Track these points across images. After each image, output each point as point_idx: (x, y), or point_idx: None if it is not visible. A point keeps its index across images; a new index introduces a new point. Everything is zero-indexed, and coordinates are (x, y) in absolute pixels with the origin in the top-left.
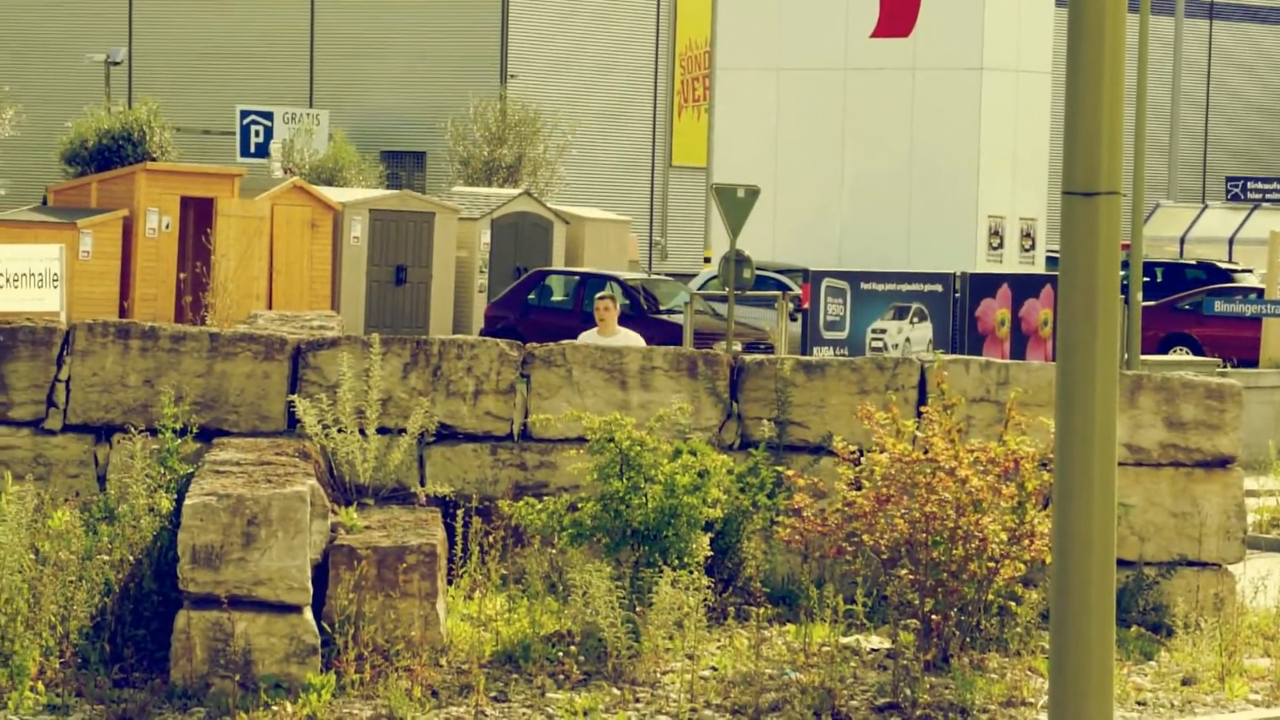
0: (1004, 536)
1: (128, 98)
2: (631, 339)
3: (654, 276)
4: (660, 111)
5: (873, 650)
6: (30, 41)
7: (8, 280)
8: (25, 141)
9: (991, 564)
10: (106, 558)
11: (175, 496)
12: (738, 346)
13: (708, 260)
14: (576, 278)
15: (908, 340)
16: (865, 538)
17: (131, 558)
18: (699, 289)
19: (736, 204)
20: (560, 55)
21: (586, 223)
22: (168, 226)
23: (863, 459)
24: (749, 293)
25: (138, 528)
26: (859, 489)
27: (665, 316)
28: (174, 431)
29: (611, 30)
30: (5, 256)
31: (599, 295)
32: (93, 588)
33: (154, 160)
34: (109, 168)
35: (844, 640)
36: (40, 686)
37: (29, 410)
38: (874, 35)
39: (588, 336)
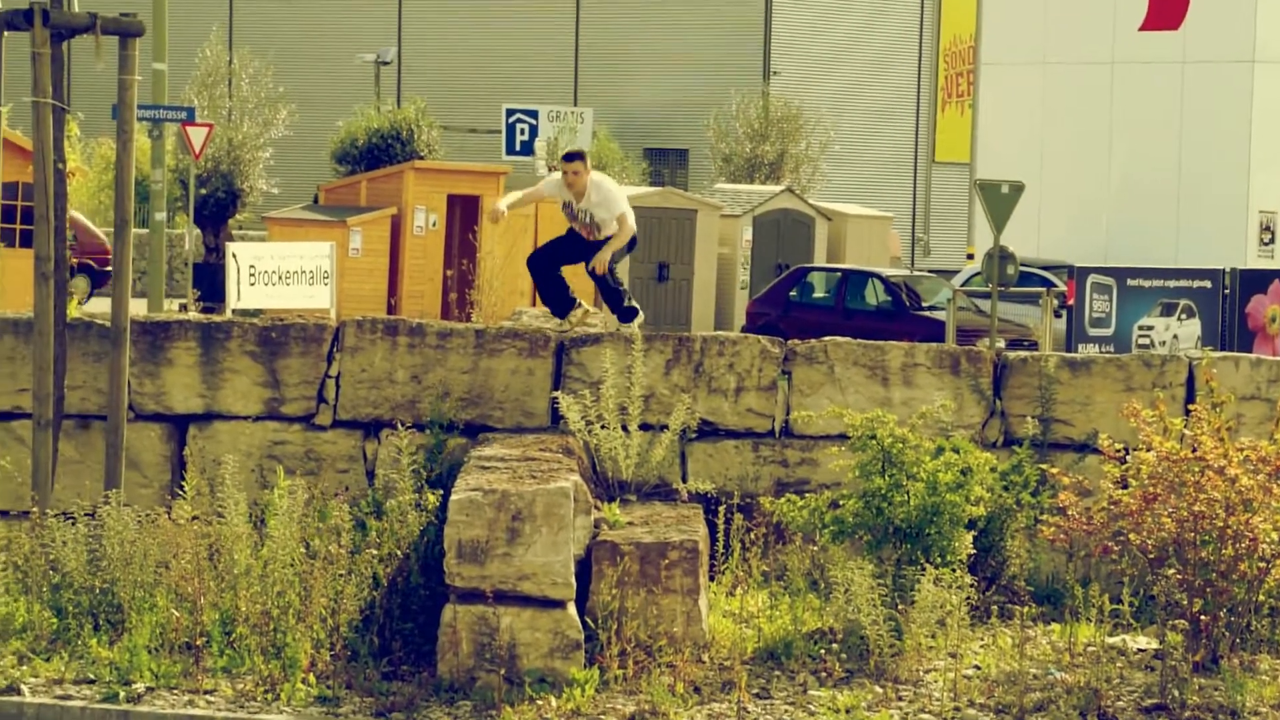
0: (1275, 536)
1: (396, 97)
2: (600, 201)
3: (916, 273)
4: (924, 107)
5: (1139, 650)
6: (303, 43)
7: (281, 278)
8: (298, 141)
9: (1262, 564)
10: (375, 552)
11: (441, 492)
12: (1001, 343)
13: (971, 257)
14: (838, 274)
15: (1175, 337)
16: (1132, 537)
17: (399, 552)
18: (962, 285)
19: (1000, 199)
20: (823, 51)
21: (848, 219)
22: (435, 224)
23: (1129, 457)
24: (1013, 289)
25: (405, 523)
26: (1125, 487)
27: (928, 313)
28: (440, 427)
29: (875, 25)
30: (279, 254)
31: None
32: (361, 581)
33: (421, 159)
34: (378, 166)
35: (1110, 640)
36: (311, 678)
37: (300, 406)
38: (1142, 28)
39: (556, 184)
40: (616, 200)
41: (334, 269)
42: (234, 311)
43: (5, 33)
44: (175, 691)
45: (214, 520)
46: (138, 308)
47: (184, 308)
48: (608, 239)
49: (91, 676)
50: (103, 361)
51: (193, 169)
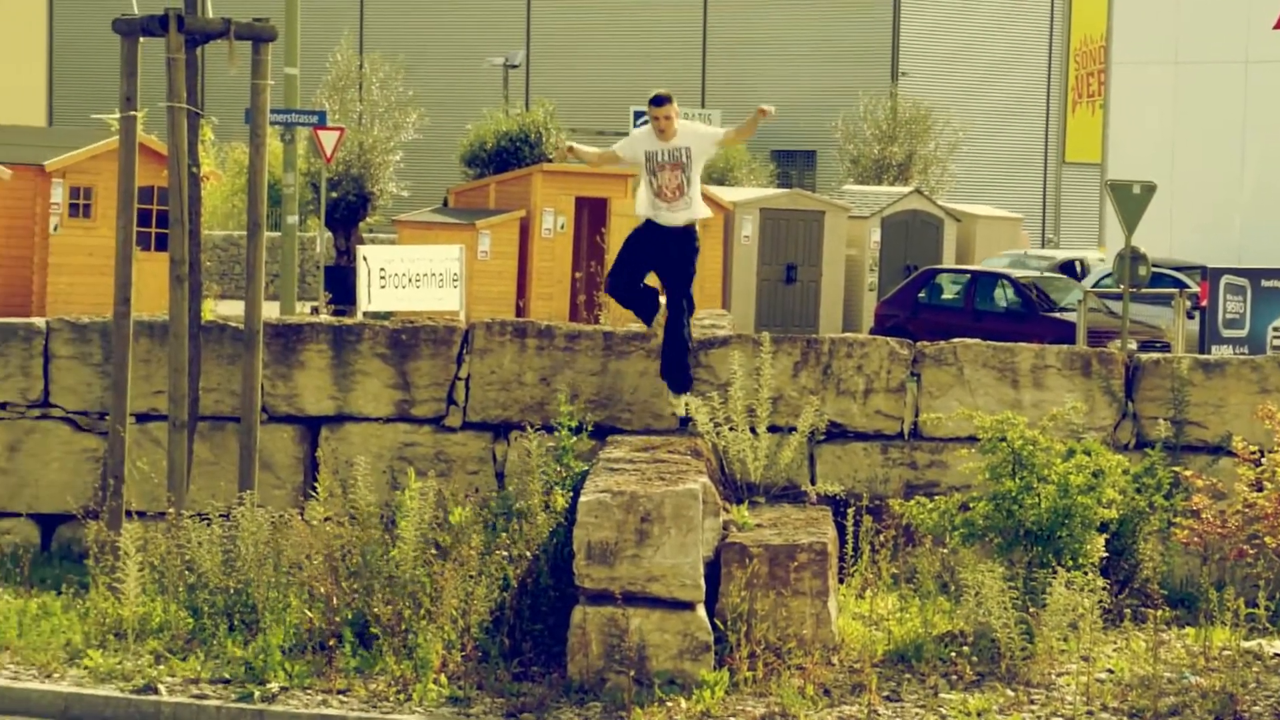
0: None
1: (525, 100)
2: (692, 131)
3: (1047, 274)
4: (1053, 107)
5: (1275, 655)
6: (432, 47)
7: (411, 280)
8: (427, 144)
9: None
10: (505, 553)
11: (571, 493)
12: (1133, 345)
13: (1102, 258)
14: (967, 276)
15: None
16: (1268, 540)
17: (529, 553)
18: (1093, 287)
19: (1132, 200)
20: (952, 52)
21: (978, 220)
22: (563, 227)
23: (1264, 460)
24: (1144, 290)
25: (534, 524)
26: (1260, 490)
27: (1058, 315)
28: (569, 429)
29: (1004, 26)
30: (409, 257)
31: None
32: (492, 583)
33: (550, 161)
34: (506, 169)
35: (1245, 644)
36: (443, 679)
37: (430, 408)
38: (1276, 26)
39: (641, 137)
40: (703, 127)
41: (463, 271)
42: (364, 314)
43: (141, 38)
44: (309, 691)
45: (346, 521)
46: (270, 310)
47: (316, 310)
48: (689, 227)
49: (227, 676)
50: (236, 364)
51: (324, 172)
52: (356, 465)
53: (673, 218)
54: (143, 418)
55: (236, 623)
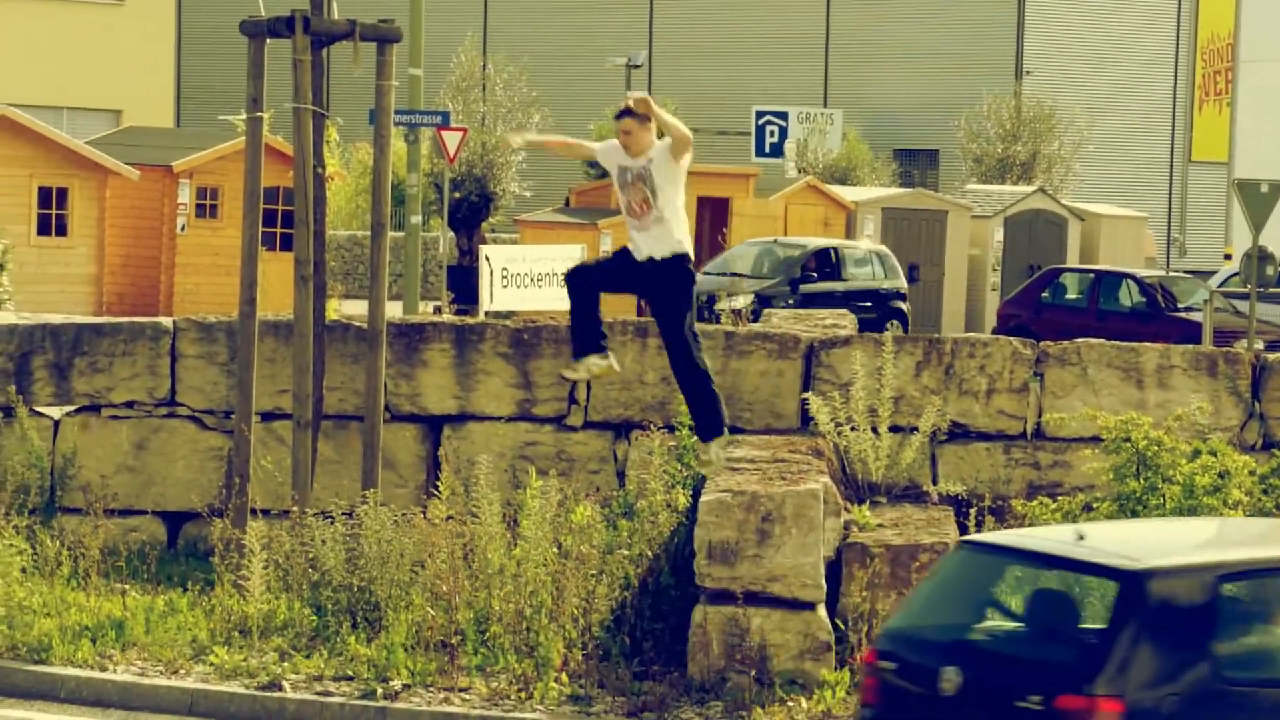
0: None
1: None
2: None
3: (1172, 274)
4: (1180, 106)
5: None
6: (555, 48)
7: (533, 280)
8: None
9: None
10: (626, 552)
11: (691, 493)
12: (1260, 345)
13: (1228, 257)
14: (1091, 275)
15: None
16: None
17: (650, 553)
18: (1219, 286)
19: (1260, 199)
20: (1077, 50)
21: (1102, 220)
22: None
23: None
24: (1272, 290)
25: (655, 523)
26: None
27: (1184, 314)
28: (690, 429)
29: (1130, 24)
30: (531, 257)
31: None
32: (613, 582)
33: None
34: None
35: None
36: (564, 677)
37: (552, 407)
38: None
39: (616, 148)
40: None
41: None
42: (487, 314)
43: (267, 40)
44: (431, 689)
45: (468, 520)
46: (393, 310)
47: (438, 310)
48: (676, 259)
49: (350, 673)
50: (360, 363)
51: (447, 173)
52: (478, 464)
53: (647, 241)
54: (267, 416)
55: (359, 620)
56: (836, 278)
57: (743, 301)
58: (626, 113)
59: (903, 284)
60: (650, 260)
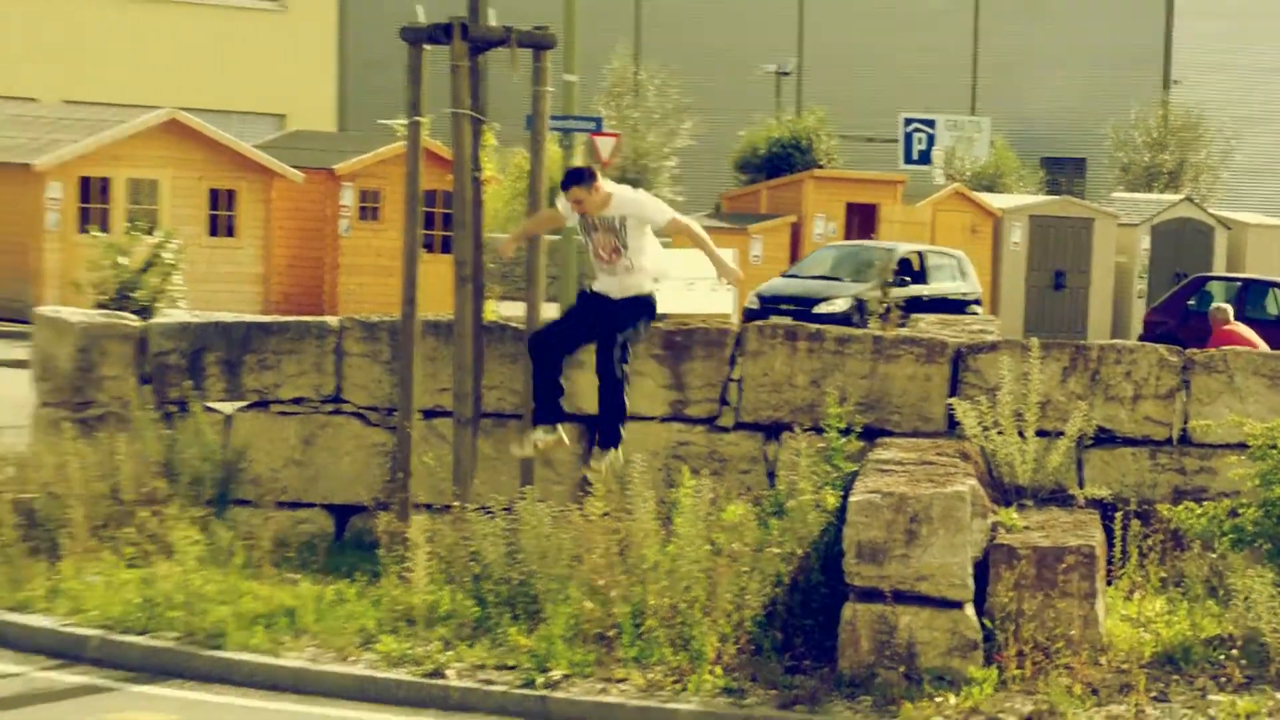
0: None
1: (796, 107)
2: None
3: None
4: None
5: None
6: (706, 56)
7: (684, 284)
8: (701, 150)
9: None
10: (777, 550)
11: (840, 493)
12: None
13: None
14: (1238, 284)
15: None
16: None
17: (800, 551)
18: None
19: None
20: (1226, 59)
21: (1249, 228)
22: (833, 231)
23: None
24: None
25: (805, 522)
26: None
27: None
28: (839, 431)
29: (1278, 30)
30: (682, 261)
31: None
32: (764, 578)
33: (820, 167)
34: (778, 175)
35: None
36: (718, 670)
37: (704, 408)
38: None
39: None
40: (649, 204)
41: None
42: None
43: (426, 46)
44: (589, 679)
45: (623, 517)
46: (549, 311)
47: None
48: (637, 298)
49: (510, 663)
50: (517, 363)
51: None
52: (633, 463)
53: (613, 283)
54: (429, 413)
55: (519, 612)
56: (921, 281)
57: (842, 305)
58: (575, 178)
59: (977, 289)
60: (609, 298)
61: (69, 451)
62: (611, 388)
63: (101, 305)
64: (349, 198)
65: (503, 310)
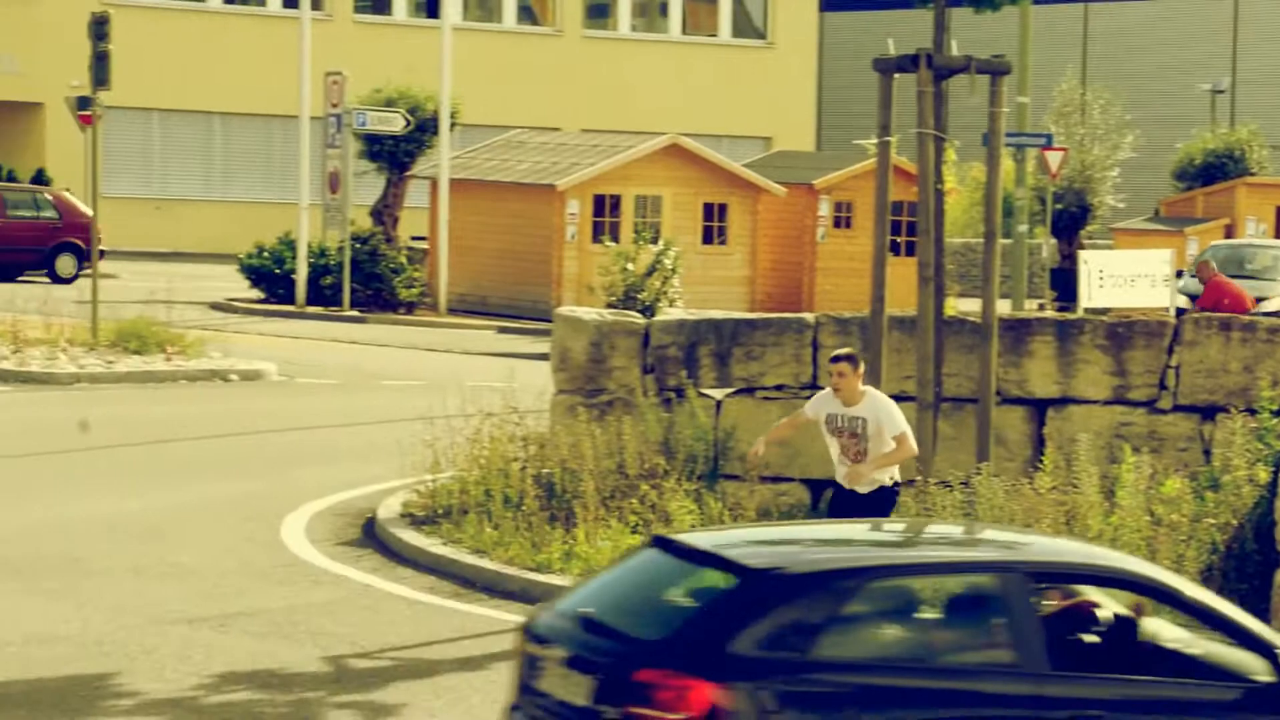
0: None
1: (1230, 121)
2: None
3: None
4: None
5: None
6: (1147, 75)
7: (1126, 280)
8: (1141, 162)
9: None
10: (1212, 521)
11: (1272, 469)
12: None
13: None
14: None
15: None
16: None
17: (1234, 522)
18: None
19: None
20: None
21: None
22: (1263, 232)
23: None
24: None
25: (1239, 496)
26: None
27: None
28: (1270, 412)
29: None
30: (1124, 260)
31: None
32: (1200, 547)
33: (1252, 175)
34: (1212, 183)
35: None
36: None
37: (1143, 392)
38: None
39: (824, 397)
40: (896, 415)
41: (1172, 273)
42: (1085, 310)
43: (895, 75)
44: None
45: (1070, 490)
46: (1002, 307)
47: (1042, 307)
48: (882, 490)
49: None
50: (974, 353)
51: (1049, 187)
52: (1078, 442)
53: (856, 480)
54: (894, 399)
55: None
56: None
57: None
58: (843, 357)
59: None
60: (857, 493)
61: (582, 432)
62: None
63: (611, 305)
64: (825, 209)
65: (961, 306)
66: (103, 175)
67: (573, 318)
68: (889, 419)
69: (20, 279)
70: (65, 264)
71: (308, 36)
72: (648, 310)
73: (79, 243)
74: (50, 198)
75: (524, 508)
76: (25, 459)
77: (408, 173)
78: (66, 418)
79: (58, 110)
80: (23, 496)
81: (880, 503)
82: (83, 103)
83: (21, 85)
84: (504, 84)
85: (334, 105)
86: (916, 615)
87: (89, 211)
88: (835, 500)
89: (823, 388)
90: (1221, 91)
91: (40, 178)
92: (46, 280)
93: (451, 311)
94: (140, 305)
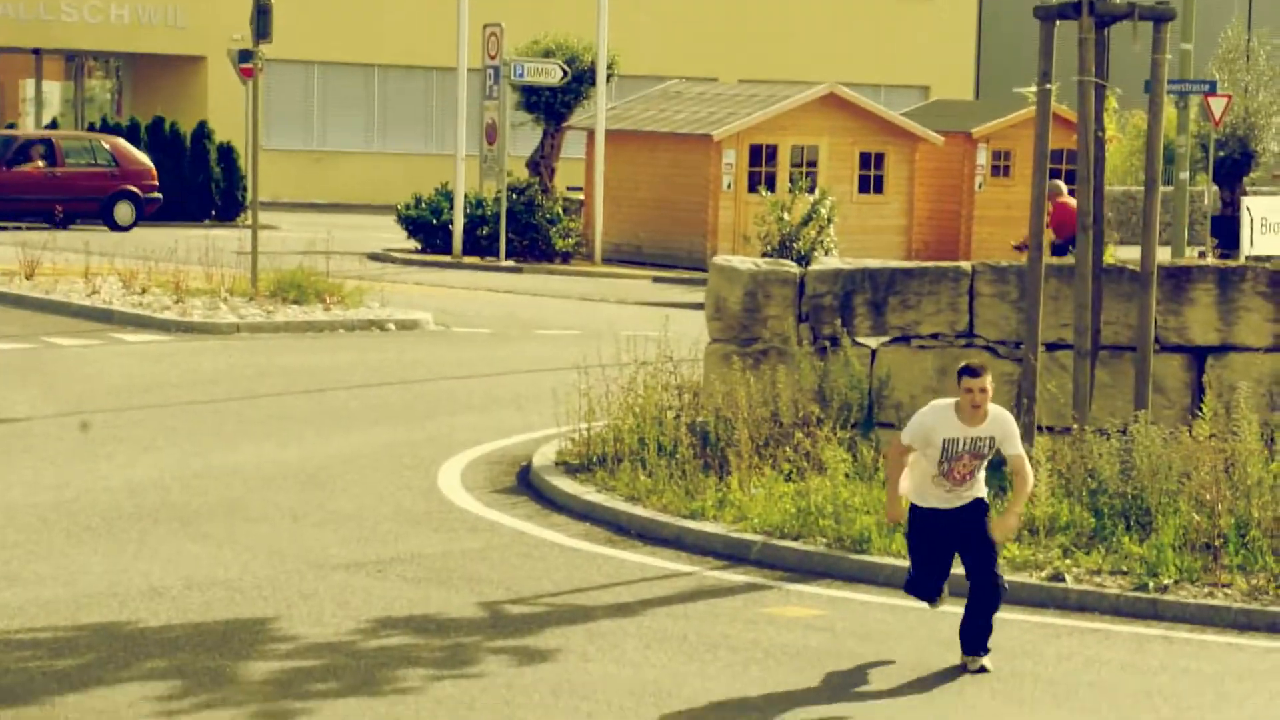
0: None
1: None
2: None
3: None
4: None
5: None
6: None
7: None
8: None
9: None
10: None
11: None
12: None
13: None
14: None
15: None
16: None
17: None
18: None
19: None
20: None
21: None
22: None
23: None
24: None
25: None
26: None
27: None
28: None
29: None
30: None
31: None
32: None
33: None
34: None
35: None
36: None
37: None
38: None
39: (939, 422)
40: (1018, 432)
41: None
42: (1247, 258)
43: (1056, 22)
44: (1196, 584)
45: (1229, 438)
46: (1162, 255)
47: (1203, 255)
48: (978, 500)
49: (1124, 569)
50: (1132, 301)
51: (1212, 134)
52: (1238, 389)
53: (952, 498)
54: (1051, 346)
55: (1132, 523)
56: None
57: None
58: (982, 371)
59: None
60: (951, 510)
61: (737, 381)
62: (993, 594)
63: (766, 254)
64: (983, 157)
65: (1120, 254)
66: (263, 127)
67: (728, 267)
68: (1013, 436)
69: (73, 227)
70: (123, 212)
71: None
72: (803, 259)
73: (137, 190)
74: (107, 146)
75: (678, 456)
76: (187, 407)
77: (564, 124)
78: (228, 367)
79: (219, 63)
80: (184, 444)
81: (979, 513)
82: (244, 56)
83: (184, 39)
84: (662, 35)
85: (491, 57)
86: None
87: (146, 160)
88: (928, 526)
89: (979, 336)
90: None
91: (202, 130)
92: (105, 229)
93: (606, 261)
94: (299, 256)
